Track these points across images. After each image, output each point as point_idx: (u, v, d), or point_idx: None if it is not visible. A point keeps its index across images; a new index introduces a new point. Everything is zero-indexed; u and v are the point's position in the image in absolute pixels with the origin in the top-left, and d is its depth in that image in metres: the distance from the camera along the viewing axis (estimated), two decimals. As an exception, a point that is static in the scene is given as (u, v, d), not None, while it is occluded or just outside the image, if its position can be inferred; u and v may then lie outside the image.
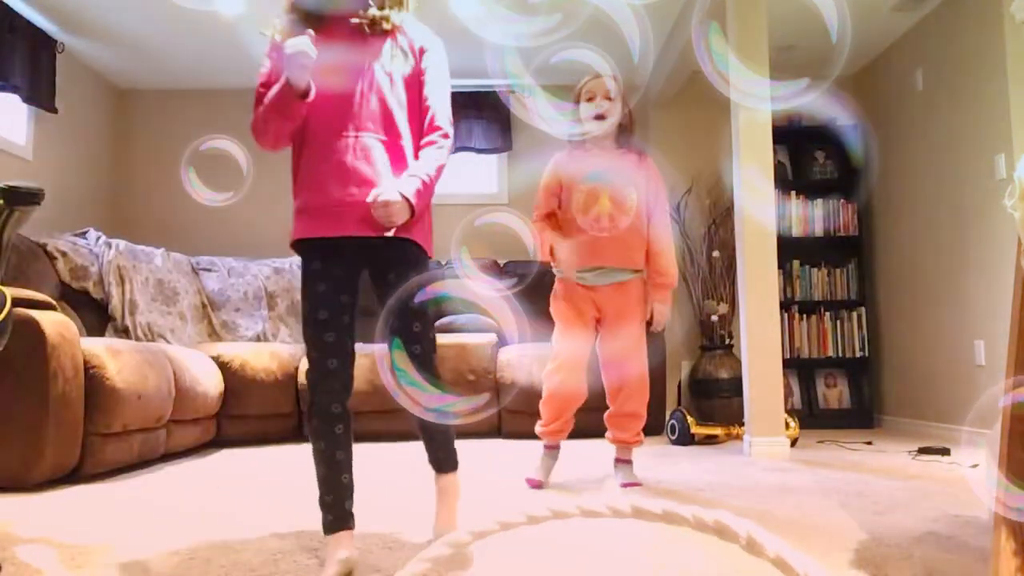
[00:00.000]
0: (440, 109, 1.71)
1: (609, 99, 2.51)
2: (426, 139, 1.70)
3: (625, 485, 2.52)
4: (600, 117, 2.51)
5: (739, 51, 3.58)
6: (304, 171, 1.67)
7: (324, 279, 1.65)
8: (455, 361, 3.97)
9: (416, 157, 1.68)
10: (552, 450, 2.64)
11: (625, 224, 2.47)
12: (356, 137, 1.63)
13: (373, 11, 1.68)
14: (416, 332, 1.66)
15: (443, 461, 1.81)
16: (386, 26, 1.69)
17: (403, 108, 1.69)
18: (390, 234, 1.61)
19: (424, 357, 1.66)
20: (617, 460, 2.63)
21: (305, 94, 1.58)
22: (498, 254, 4.87)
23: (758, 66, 3.57)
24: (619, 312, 2.54)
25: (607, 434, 2.62)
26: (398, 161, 1.66)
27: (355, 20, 1.68)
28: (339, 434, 1.62)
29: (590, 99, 2.52)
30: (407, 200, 1.57)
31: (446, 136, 1.70)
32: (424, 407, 1.57)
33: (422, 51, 1.74)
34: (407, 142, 1.68)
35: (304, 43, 1.53)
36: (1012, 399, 1.03)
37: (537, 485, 2.51)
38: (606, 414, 2.59)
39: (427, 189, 1.63)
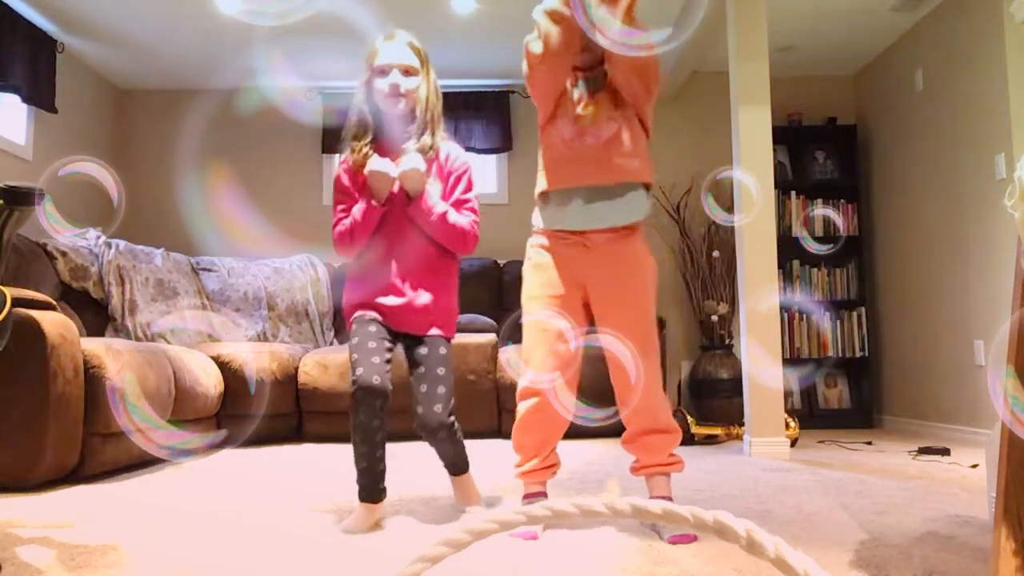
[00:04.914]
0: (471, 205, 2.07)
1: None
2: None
3: (676, 540, 1.70)
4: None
5: (739, 51, 3.58)
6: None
7: None
8: (455, 361, 3.96)
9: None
10: (535, 499, 1.92)
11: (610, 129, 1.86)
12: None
13: (413, 143, 1.99)
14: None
15: (457, 465, 2.10)
16: (429, 153, 2.01)
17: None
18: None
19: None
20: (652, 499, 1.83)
21: (384, 203, 1.98)
22: (497, 254, 4.87)
23: (758, 66, 3.57)
24: (616, 275, 1.86)
25: (632, 463, 1.94)
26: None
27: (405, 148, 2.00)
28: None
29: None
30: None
31: (476, 222, 2.03)
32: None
33: (448, 158, 2.06)
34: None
35: (386, 164, 1.94)
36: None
37: (532, 536, 1.75)
38: (623, 437, 1.93)
39: (435, 212, 1.97)
